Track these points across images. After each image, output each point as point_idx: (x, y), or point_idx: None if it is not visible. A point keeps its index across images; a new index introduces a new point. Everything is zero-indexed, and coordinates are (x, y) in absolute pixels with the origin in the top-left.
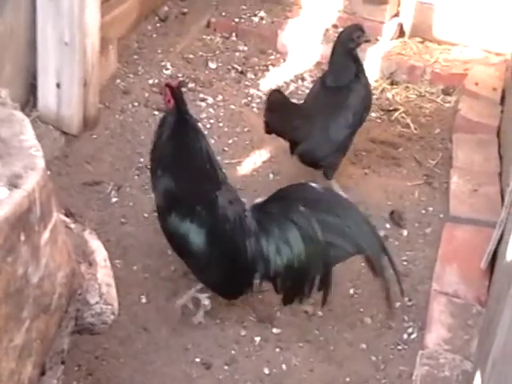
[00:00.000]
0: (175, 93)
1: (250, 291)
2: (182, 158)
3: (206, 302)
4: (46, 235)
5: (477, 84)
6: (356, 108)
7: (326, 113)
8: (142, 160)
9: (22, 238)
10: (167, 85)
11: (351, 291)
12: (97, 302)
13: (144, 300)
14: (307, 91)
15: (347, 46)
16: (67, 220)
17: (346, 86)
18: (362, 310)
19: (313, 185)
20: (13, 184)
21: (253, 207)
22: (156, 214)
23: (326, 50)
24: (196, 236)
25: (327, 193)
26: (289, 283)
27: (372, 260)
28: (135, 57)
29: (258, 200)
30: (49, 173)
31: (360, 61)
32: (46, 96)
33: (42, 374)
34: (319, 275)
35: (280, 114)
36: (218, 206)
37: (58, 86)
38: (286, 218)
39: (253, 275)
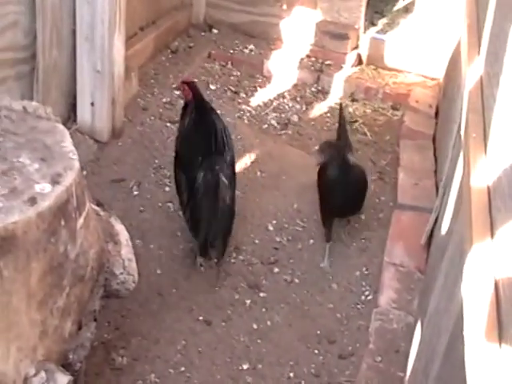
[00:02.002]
0: (193, 86)
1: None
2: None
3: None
4: (80, 221)
5: (417, 102)
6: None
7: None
8: (157, 161)
9: (62, 223)
10: (184, 82)
11: (321, 264)
12: (121, 273)
13: (159, 271)
14: (287, 107)
15: None
16: (97, 209)
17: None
18: (330, 277)
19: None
20: (55, 181)
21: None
22: (168, 204)
23: (301, 74)
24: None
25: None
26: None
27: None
28: (152, 81)
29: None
30: (84, 172)
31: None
32: (83, 113)
33: (79, 329)
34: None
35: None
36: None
37: (92, 104)
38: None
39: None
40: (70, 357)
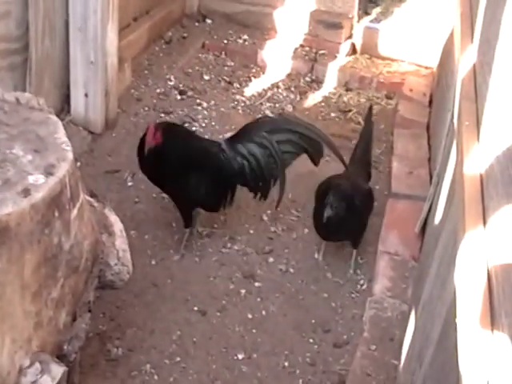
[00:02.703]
0: (160, 127)
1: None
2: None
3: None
4: (74, 212)
5: (411, 90)
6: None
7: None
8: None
9: (56, 214)
10: (157, 127)
11: (316, 255)
12: (115, 264)
13: (153, 262)
14: (281, 97)
15: None
16: (91, 200)
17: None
18: (325, 267)
19: (269, 116)
20: (48, 172)
21: (226, 140)
22: (163, 195)
23: (295, 64)
24: (209, 178)
25: (280, 117)
26: (259, 184)
27: (312, 156)
28: (146, 72)
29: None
30: (78, 164)
31: None
32: (77, 104)
33: (74, 320)
34: (278, 176)
35: None
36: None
37: (86, 95)
38: (252, 142)
39: (235, 186)
40: (65, 348)
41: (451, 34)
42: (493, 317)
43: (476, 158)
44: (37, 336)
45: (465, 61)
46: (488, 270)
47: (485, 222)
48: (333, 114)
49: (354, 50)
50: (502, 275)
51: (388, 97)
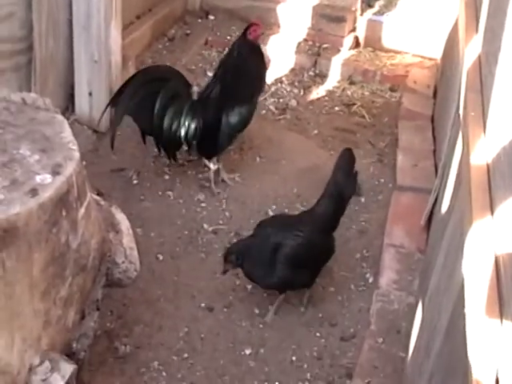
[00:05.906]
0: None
1: None
2: None
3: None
4: (81, 211)
5: (415, 82)
6: None
7: None
8: (155, 150)
9: (64, 213)
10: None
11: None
12: (123, 262)
13: (160, 258)
14: (285, 92)
15: None
16: (98, 199)
17: None
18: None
19: None
20: (55, 171)
21: None
22: (168, 193)
23: (298, 58)
24: None
25: None
26: None
27: None
28: None
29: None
30: (84, 162)
31: None
32: (81, 103)
33: (82, 318)
34: None
35: None
36: None
37: (90, 94)
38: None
39: None
40: (74, 346)
41: (455, 25)
42: (501, 306)
43: (482, 149)
44: (46, 334)
45: (470, 51)
46: (496, 259)
47: (492, 212)
48: (337, 108)
49: (357, 44)
50: (510, 264)
51: (392, 89)
